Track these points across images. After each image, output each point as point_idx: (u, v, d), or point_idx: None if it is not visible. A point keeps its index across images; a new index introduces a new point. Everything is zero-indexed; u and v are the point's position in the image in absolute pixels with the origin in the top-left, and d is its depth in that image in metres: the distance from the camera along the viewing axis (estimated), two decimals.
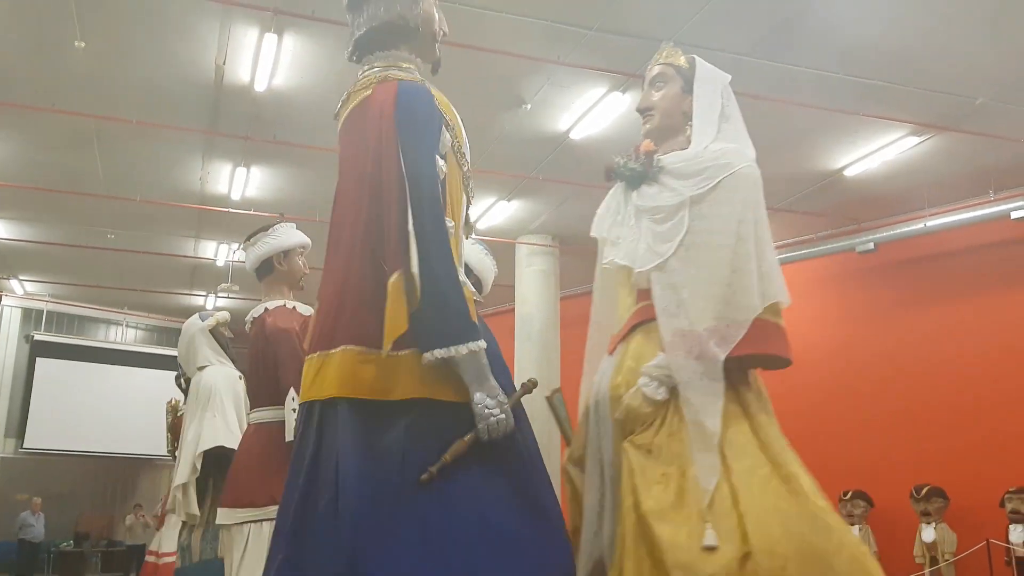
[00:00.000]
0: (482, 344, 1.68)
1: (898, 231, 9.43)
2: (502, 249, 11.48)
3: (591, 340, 2.35)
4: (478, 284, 3.85)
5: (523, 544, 1.67)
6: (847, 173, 8.89)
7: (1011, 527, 7.82)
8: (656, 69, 2.34)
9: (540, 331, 11.00)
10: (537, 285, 11.22)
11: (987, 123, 7.67)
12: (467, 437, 1.66)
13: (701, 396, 1.93)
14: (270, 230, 3.47)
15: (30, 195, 9.68)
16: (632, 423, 1.99)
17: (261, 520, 3.01)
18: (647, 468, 1.91)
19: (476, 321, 1.75)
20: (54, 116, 7.75)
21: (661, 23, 6.37)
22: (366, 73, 1.97)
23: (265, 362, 3.20)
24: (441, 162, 1.81)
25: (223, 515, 3.16)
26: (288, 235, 3.48)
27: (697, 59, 2.32)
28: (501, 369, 1.82)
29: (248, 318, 3.42)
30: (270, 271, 3.44)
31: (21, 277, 14.13)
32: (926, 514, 8.33)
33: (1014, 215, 8.57)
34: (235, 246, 11.78)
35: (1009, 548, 7.77)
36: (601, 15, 6.30)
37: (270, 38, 6.57)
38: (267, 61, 6.89)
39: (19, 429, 14.92)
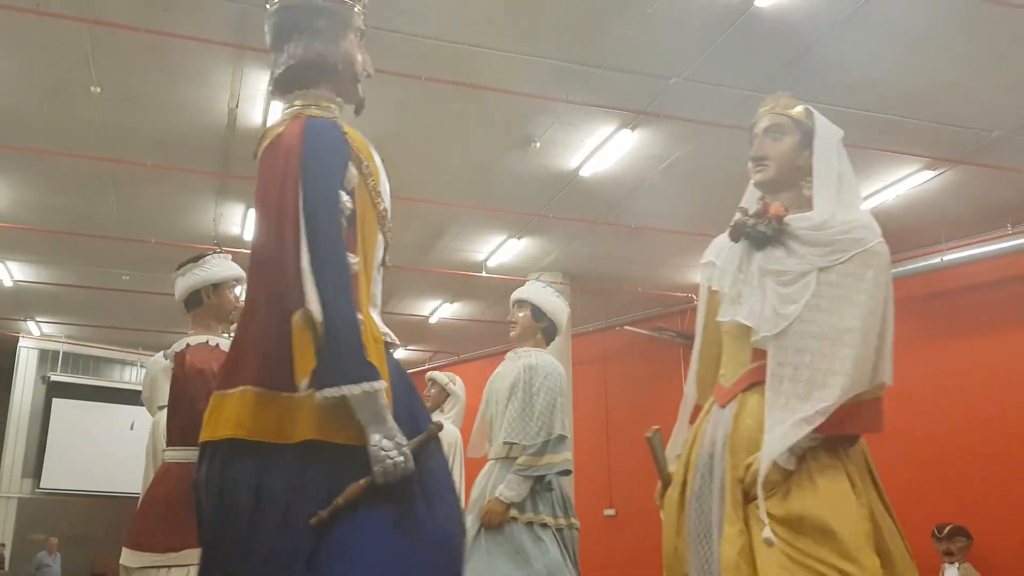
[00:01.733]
0: (379, 385, 1.62)
1: (914, 266, 9.33)
2: (512, 287, 11.42)
3: (689, 387, 2.38)
4: (552, 327, 3.80)
5: None
6: (862, 208, 8.83)
7: None
8: (770, 119, 2.34)
9: None
10: None
11: (1004, 156, 7.61)
12: (363, 481, 1.61)
13: (789, 460, 1.96)
14: (200, 261, 3.38)
15: (46, 238, 9.78)
16: (767, 488, 2.00)
17: (160, 567, 2.93)
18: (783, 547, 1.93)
19: (376, 360, 1.68)
20: (69, 160, 7.85)
21: (670, 60, 6.40)
22: (285, 112, 1.99)
23: (184, 401, 3.14)
24: (346, 197, 1.78)
25: (127, 556, 3.07)
26: (220, 267, 3.39)
27: (815, 112, 2.33)
28: (411, 413, 1.77)
29: (169, 352, 3.33)
30: (198, 304, 3.35)
31: (38, 319, 14.22)
32: (949, 554, 8.12)
33: None
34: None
35: None
36: (609, 53, 6.34)
37: None
38: (278, 104, 6.94)
39: (36, 469, 14.95)
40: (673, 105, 6.88)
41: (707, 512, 2.10)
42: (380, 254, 1.95)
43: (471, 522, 3.53)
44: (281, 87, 2.02)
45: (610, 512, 12.40)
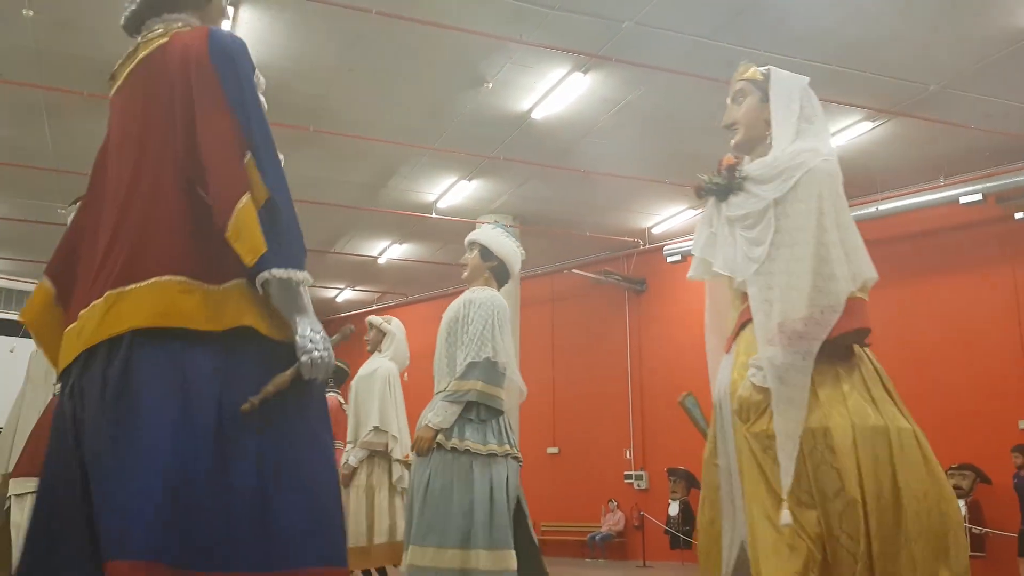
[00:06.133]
0: (310, 278, 1.63)
1: (851, 215, 9.58)
2: (462, 229, 11.44)
3: (709, 344, 2.52)
4: (502, 267, 3.71)
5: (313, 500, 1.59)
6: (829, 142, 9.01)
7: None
8: (735, 86, 2.50)
9: None
10: None
11: (939, 110, 7.83)
12: (289, 371, 1.59)
13: (789, 388, 2.06)
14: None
15: None
16: (747, 412, 2.11)
17: None
18: (765, 460, 2.05)
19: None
20: (1, 87, 7.53)
21: (623, 4, 6.39)
22: (155, 32, 1.89)
23: None
24: (261, 96, 1.75)
25: (16, 485, 3.18)
26: None
27: (772, 69, 2.47)
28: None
29: None
30: None
31: None
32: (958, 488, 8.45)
33: (963, 200, 8.78)
34: None
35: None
36: None
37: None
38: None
39: None
40: (625, 49, 6.89)
41: (724, 456, 2.24)
42: None
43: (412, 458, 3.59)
44: (143, 13, 1.95)
45: (553, 450, 12.70)
